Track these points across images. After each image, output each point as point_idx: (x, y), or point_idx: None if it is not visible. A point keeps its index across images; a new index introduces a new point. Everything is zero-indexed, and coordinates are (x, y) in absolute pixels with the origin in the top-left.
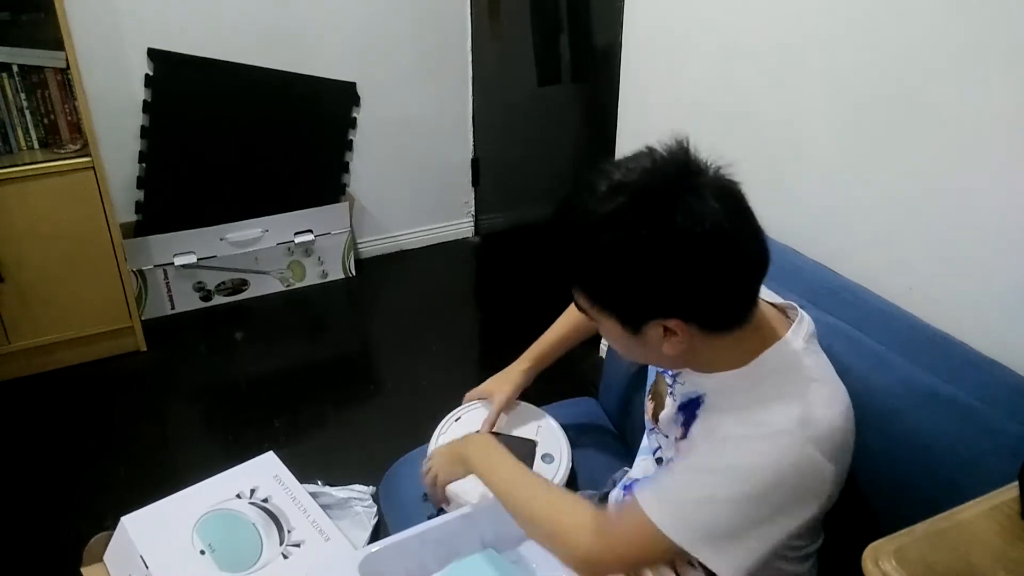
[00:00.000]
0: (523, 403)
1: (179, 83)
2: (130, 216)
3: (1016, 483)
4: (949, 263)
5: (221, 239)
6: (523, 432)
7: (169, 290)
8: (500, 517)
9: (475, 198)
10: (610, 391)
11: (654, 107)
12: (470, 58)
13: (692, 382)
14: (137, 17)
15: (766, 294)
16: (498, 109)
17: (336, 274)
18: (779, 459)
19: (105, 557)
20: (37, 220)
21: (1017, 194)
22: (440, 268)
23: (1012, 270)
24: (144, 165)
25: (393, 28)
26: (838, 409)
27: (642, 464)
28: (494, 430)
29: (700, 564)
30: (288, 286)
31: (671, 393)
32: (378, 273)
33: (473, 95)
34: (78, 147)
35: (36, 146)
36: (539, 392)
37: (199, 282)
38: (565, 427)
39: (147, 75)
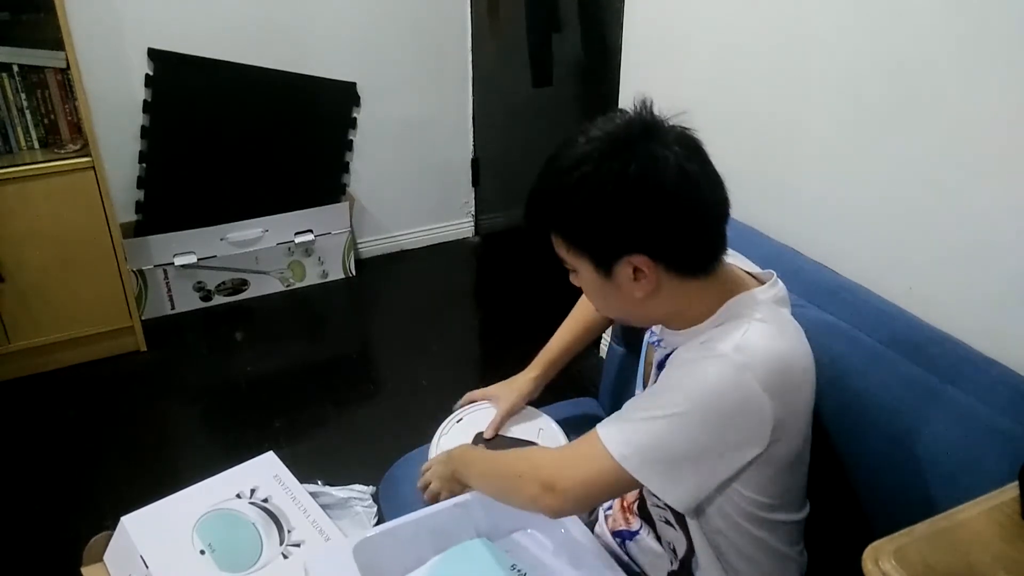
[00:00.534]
0: (526, 407)
1: (179, 83)
2: (130, 216)
3: (1016, 483)
4: (949, 263)
5: (221, 239)
6: (524, 434)
7: (169, 290)
8: (494, 506)
9: (475, 198)
10: (609, 391)
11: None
12: (470, 58)
13: (668, 342)
14: (137, 17)
15: (745, 263)
16: (498, 109)
17: (336, 274)
18: (716, 382)
19: (105, 557)
20: (37, 220)
21: (1017, 194)
22: (440, 268)
23: (1012, 270)
24: (144, 165)
25: (393, 28)
26: (781, 345)
27: None
28: (492, 435)
29: (677, 523)
30: (288, 286)
31: (656, 355)
32: (378, 273)
33: (473, 95)
34: (78, 147)
35: (36, 146)
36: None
37: (199, 282)
38: (565, 427)
39: (147, 75)
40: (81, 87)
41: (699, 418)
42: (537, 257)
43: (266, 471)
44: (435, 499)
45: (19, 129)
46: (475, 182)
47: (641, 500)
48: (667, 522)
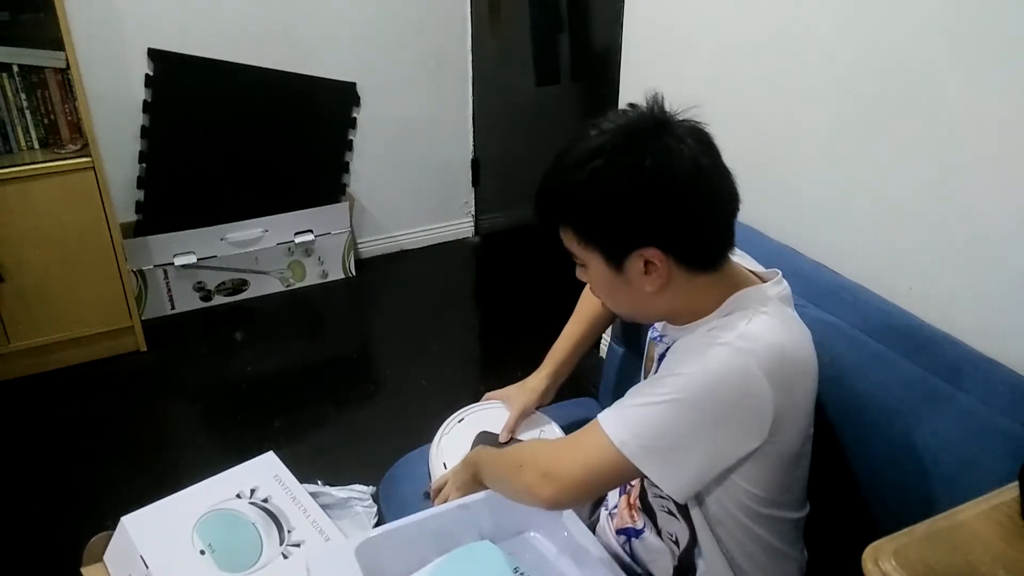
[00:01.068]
0: (535, 411)
1: (179, 83)
2: (130, 216)
3: (1016, 483)
4: (949, 263)
5: (221, 239)
6: (526, 436)
7: (169, 290)
8: (498, 508)
9: (475, 198)
10: (610, 391)
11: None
12: (470, 58)
13: (671, 337)
14: (137, 17)
15: (751, 263)
16: (498, 109)
17: (336, 274)
18: (718, 367)
19: (105, 557)
20: (37, 220)
21: (1017, 194)
22: (440, 268)
23: (1012, 270)
24: (144, 165)
25: (393, 28)
26: (785, 338)
27: None
28: (500, 433)
29: (679, 513)
30: (288, 286)
31: (657, 351)
32: (378, 273)
33: (473, 95)
34: (78, 147)
35: (36, 146)
36: None
37: (199, 282)
38: (566, 428)
39: (147, 75)
40: (81, 87)
41: (701, 403)
42: (537, 257)
43: (266, 471)
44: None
45: (19, 129)
46: (475, 182)
47: (642, 491)
48: (669, 512)
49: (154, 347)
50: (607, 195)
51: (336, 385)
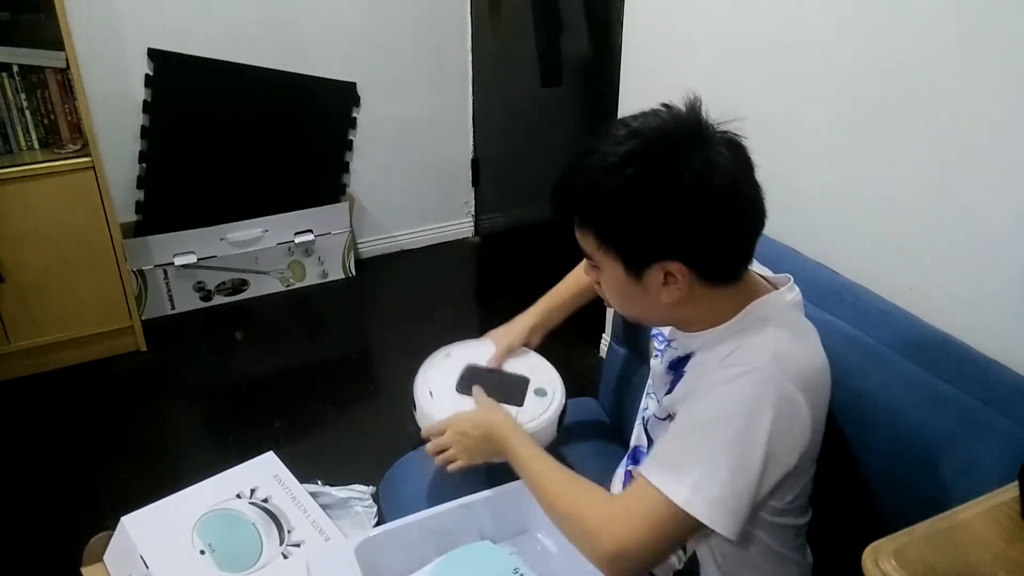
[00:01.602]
0: (521, 347)
1: (179, 83)
2: (130, 216)
3: (1016, 483)
4: (949, 263)
5: (221, 239)
6: (516, 369)
7: (169, 290)
8: (498, 509)
9: (475, 198)
10: (610, 391)
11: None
12: (470, 58)
13: (683, 345)
14: (137, 17)
15: (760, 268)
16: (498, 109)
17: (336, 274)
18: (755, 393)
19: (105, 557)
20: (37, 220)
21: (1017, 194)
22: (440, 268)
23: (1012, 270)
24: (144, 165)
25: (393, 28)
26: (805, 350)
27: (637, 430)
28: (488, 366)
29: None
30: (288, 286)
31: (657, 355)
32: (378, 273)
33: (473, 95)
34: (78, 147)
35: (36, 146)
36: None
37: (199, 282)
38: (566, 428)
39: (147, 75)
40: (81, 87)
41: (747, 438)
42: (537, 257)
43: (266, 471)
44: (447, 462)
45: (19, 129)
46: (475, 182)
47: None
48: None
49: (154, 347)
50: (639, 205)
51: (336, 385)
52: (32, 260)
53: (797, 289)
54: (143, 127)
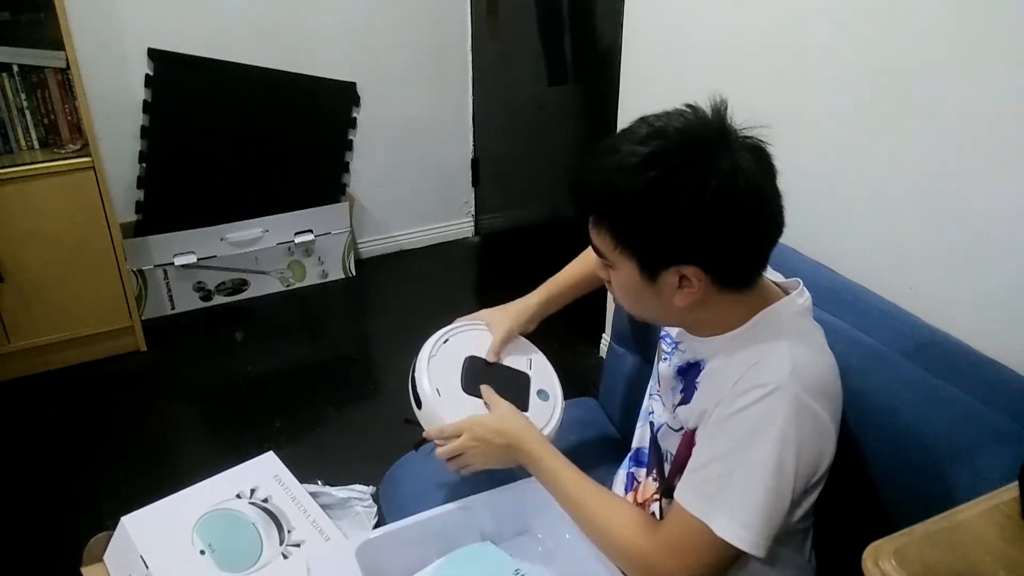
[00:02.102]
0: (518, 336)
1: (179, 83)
2: (130, 216)
3: (1016, 483)
4: (949, 263)
5: (221, 239)
6: (516, 364)
7: (169, 290)
8: (499, 509)
9: (475, 198)
10: (610, 391)
11: (654, 107)
12: (470, 58)
13: (692, 349)
14: (137, 17)
15: (772, 273)
16: (498, 109)
17: (336, 274)
18: (780, 414)
19: (105, 557)
20: (37, 220)
21: (1018, 194)
22: (440, 268)
23: (1012, 270)
24: (144, 165)
25: (393, 28)
26: (820, 360)
27: (640, 431)
28: (488, 359)
29: None
30: (288, 286)
31: (666, 359)
32: (378, 273)
33: (473, 95)
34: (78, 147)
35: (36, 146)
36: None
37: (199, 282)
38: (565, 427)
39: (147, 75)
40: (81, 87)
41: (786, 461)
42: (537, 257)
43: (266, 471)
44: (460, 466)
45: (19, 129)
46: (475, 182)
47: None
48: None
49: (154, 347)
50: (660, 209)
51: (336, 385)
52: (32, 260)
53: (807, 294)
54: (143, 127)
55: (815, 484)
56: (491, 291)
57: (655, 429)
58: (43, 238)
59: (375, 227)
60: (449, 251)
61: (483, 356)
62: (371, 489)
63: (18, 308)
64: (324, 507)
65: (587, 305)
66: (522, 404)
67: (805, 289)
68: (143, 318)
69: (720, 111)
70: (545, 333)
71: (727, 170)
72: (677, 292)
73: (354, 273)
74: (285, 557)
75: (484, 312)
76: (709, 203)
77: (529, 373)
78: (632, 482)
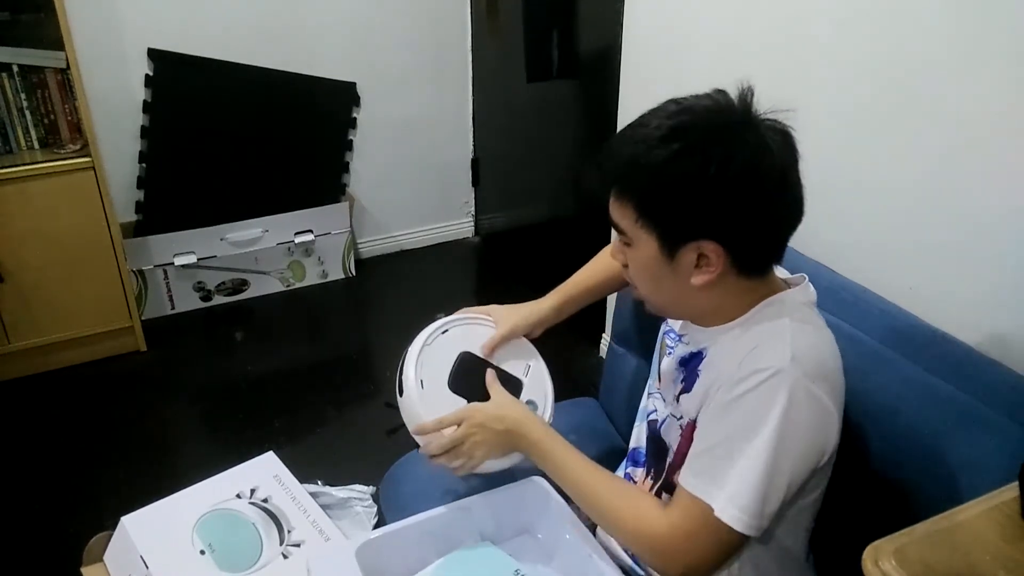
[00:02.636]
0: (521, 338)
1: (179, 83)
2: (130, 216)
3: (1016, 483)
4: (950, 263)
5: (221, 239)
6: (511, 368)
7: (169, 290)
8: (499, 510)
9: (475, 198)
10: (610, 391)
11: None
12: (470, 58)
13: (694, 340)
14: (137, 17)
15: (778, 270)
16: (498, 109)
17: (336, 274)
18: (781, 397)
19: (105, 557)
20: (37, 220)
21: (1018, 194)
22: (440, 268)
23: (1012, 270)
24: (144, 165)
25: (393, 28)
26: (825, 349)
27: (637, 430)
28: (487, 359)
29: None
30: (288, 286)
31: (669, 352)
32: (378, 273)
33: (473, 95)
34: (78, 147)
35: (36, 146)
36: None
37: (199, 282)
38: (565, 427)
39: (147, 75)
40: (81, 87)
41: (787, 446)
42: (537, 257)
43: (266, 471)
44: (454, 459)
45: (19, 129)
46: (475, 182)
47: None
48: None
49: (154, 347)
50: (687, 180)
51: (336, 385)
52: (32, 260)
53: (812, 288)
54: (143, 127)
55: (822, 468)
56: (491, 291)
57: (658, 424)
58: (43, 238)
59: (375, 227)
60: (449, 251)
61: (479, 353)
62: (371, 489)
63: (18, 308)
64: (324, 507)
65: (588, 305)
66: None
67: (810, 284)
68: (143, 318)
69: (746, 97)
70: (545, 333)
71: (755, 146)
72: (695, 271)
73: (354, 273)
74: (285, 557)
75: (493, 307)
76: (735, 177)
77: (523, 380)
78: (629, 481)
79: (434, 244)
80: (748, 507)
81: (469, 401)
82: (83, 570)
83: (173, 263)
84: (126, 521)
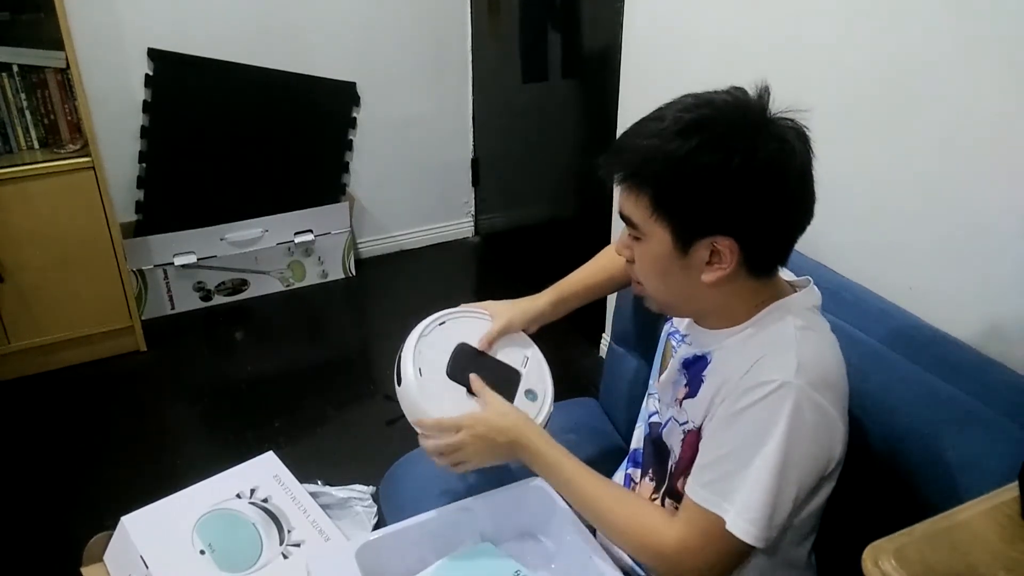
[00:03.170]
0: (519, 332)
1: (179, 83)
2: (130, 216)
3: (1016, 483)
4: (949, 263)
5: (221, 239)
6: (509, 359)
7: (169, 290)
8: (499, 510)
9: (475, 198)
10: (610, 391)
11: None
12: (470, 58)
13: (698, 341)
14: (137, 17)
15: (783, 272)
16: (498, 109)
17: (336, 274)
18: (787, 410)
19: (105, 557)
20: (37, 220)
21: (1018, 193)
22: (440, 268)
23: (1012, 270)
24: (144, 165)
25: (393, 28)
26: (829, 356)
27: (638, 431)
28: (484, 350)
29: None
30: (288, 286)
31: (675, 352)
32: (378, 273)
33: (473, 95)
34: (78, 147)
35: (36, 146)
36: None
37: (199, 282)
38: (565, 427)
39: (147, 75)
40: (81, 87)
41: (794, 458)
42: (537, 257)
43: (266, 471)
44: (452, 465)
45: (19, 129)
46: (475, 182)
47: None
48: None
49: (154, 347)
50: (708, 172)
51: (336, 385)
52: (32, 260)
53: (817, 291)
54: (143, 127)
55: (829, 475)
56: (491, 291)
57: (660, 426)
58: (43, 238)
59: (375, 227)
60: (449, 251)
61: (475, 345)
62: (371, 489)
63: (18, 308)
64: (324, 507)
65: (587, 305)
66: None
67: (815, 287)
68: (143, 318)
69: (763, 95)
70: (545, 332)
71: (777, 143)
72: (706, 268)
73: (354, 273)
74: (285, 557)
75: (490, 303)
76: (758, 171)
77: (521, 371)
78: (629, 483)
79: (434, 244)
80: (758, 520)
81: (468, 391)
82: (83, 570)
83: (173, 263)
84: (126, 521)
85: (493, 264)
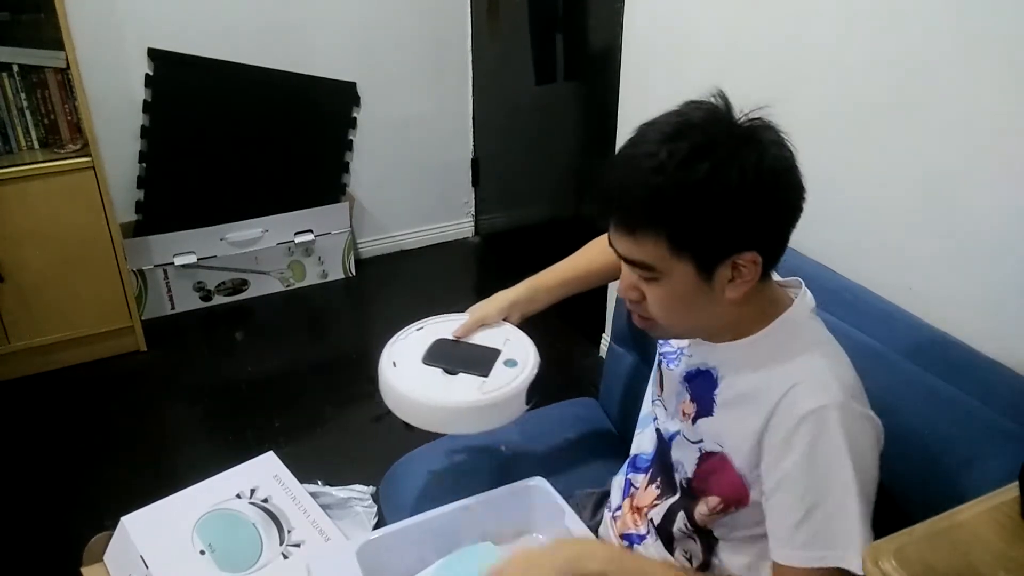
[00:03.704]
0: (499, 321)
1: (179, 83)
2: (130, 216)
3: (1016, 483)
4: (949, 263)
5: (221, 239)
6: (489, 341)
7: (169, 290)
8: (499, 510)
9: (475, 198)
10: (610, 391)
11: (654, 107)
12: (470, 58)
13: (700, 354)
14: (137, 17)
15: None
16: (498, 109)
17: (336, 274)
18: (843, 431)
19: (105, 557)
20: (37, 220)
21: (1018, 194)
22: (440, 268)
23: (1012, 270)
24: (144, 165)
25: (393, 28)
26: (845, 361)
27: (639, 438)
28: (458, 337)
29: (695, 535)
30: (288, 286)
31: (672, 365)
32: (378, 273)
33: (473, 95)
34: (78, 147)
35: (36, 146)
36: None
37: (199, 282)
38: (565, 427)
39: (147, 75)
40: (81, 87)
41: (867, 476)
42: (537, 257)
43: (266, 471)
44: None
45: (19, 129)
46: (475, 182)
47: (664, 519)
48: (685, 532)
49: (154, 347)
50: (727, 194)
51: (336, 385)
52: (32, 260)
53: (810, 295)
54: (143, 127)
55: None
56: (491, 291)
57: (667, 439)
58: (43, 238)
59: (375, 227)
60: (449, 251)
61: (452, 337)
62: (371, 489)
63: (18, 308)
64: (324, 507)
65: (587, 305)
66: (483, 372)
67: (807, 288)
68: (143, 318)
69: (725, 98)
70: (545, 333)
71: (767, 142)
72: (729, 286)
73: (354, 273)
74: (285, 557)
75: (470, 308)
76: (766, 179)
77: (501, 348)
78: (629, 488)
79: (434, 244)
80: (863, 545)
81: (445, 370)
82: (83, 570)
83: (173, 263)
84: (126, 521)
85: (493, 264)
